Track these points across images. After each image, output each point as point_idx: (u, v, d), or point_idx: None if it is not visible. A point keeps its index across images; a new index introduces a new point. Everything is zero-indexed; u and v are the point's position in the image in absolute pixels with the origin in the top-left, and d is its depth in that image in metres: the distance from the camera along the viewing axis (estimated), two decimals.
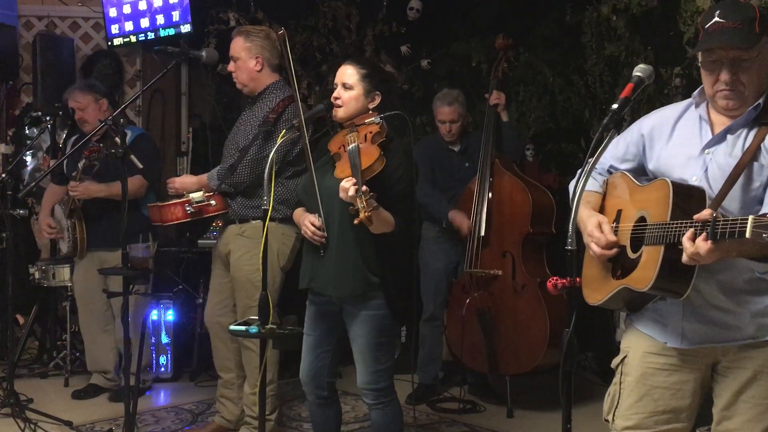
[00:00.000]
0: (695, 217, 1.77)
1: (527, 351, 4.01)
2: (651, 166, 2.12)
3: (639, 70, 1.96)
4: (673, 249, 1.84)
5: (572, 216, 1.83)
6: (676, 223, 1.84)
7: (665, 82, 4.30)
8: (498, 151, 4.23)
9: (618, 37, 4.71)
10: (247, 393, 3.59)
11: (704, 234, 1.74)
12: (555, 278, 1.88)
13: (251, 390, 3.54)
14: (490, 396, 4.37)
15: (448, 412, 4.19)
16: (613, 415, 2.12)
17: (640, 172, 2.16)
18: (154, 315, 4.70)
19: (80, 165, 3.87)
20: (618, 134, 1.90)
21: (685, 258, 1.79)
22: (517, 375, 4.12)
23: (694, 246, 1.76)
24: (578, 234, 1.86)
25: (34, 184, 4.26)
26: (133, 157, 3.25)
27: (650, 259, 1.91)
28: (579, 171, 1.92)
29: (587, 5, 4.83)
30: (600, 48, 4.82)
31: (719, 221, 1.71)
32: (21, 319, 5.08)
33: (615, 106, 1.88)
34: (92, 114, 4.20)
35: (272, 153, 2.71)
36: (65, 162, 4.16)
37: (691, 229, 1.77)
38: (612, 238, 2.02)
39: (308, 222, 2.71)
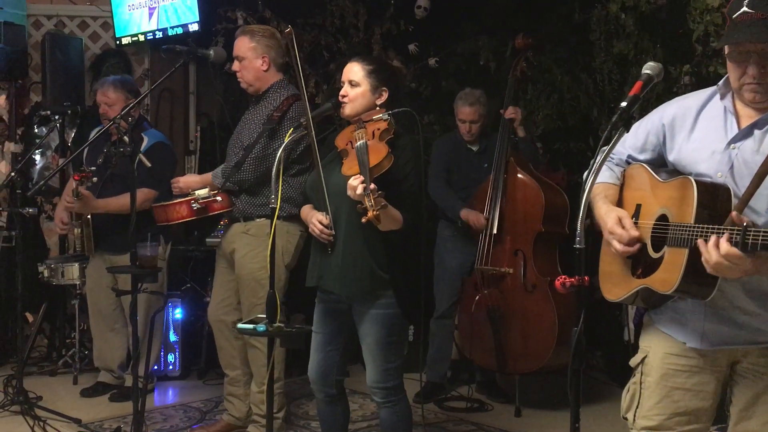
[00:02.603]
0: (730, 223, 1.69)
1: (536, 350, 3.99)
2: (671, 157, 2.05)
3: (648, 68, 1.91)
4: (699, 253, 1.78)
5: (581, 214, 1.80)
6: (702, 227, 1.78)
7: (674, 80, 4.28)
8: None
9: (627, 34, 4.69)
10: (254, 391, 3.60)
11: (730, 239, 1.67)
12: (563, 277, 1.87)
13: (258, 389, 3.55)
14: (498, 395, 4.37)
15: (455, 410, 4.19)
16: (634, 414, 2.11)
17: (659, 163, 2.10)
18: (178, 314, 4.70)
19: (74, 185, 3.86)
20: (627, 132, 1.87)
21: (708, 269, 1.74)
22: (525, 374, 4.11)
23: (720, 252, 1.69)
24: (587, 232, 1.84)
25: (43, 182, 4.25)
26: (141, 156, 3.25)
27: (674, 261, 1.87)
28: (591, 161, 1.88)
29: (596, 3, 4.81)
30: (608, 46, 4.80)
31: (750, 230, 1.65)
32: (30, 317, 5.10)
33: (624, 104, 1.84)
34: (118, 112, 4.17)
35: (280, 151, 2.71)
36: (85, 153, 4.17)
37: (714, 236, 1.70)
38: (635, 233, 1.98)
39: (315, 220, 2.70)
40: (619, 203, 2.13)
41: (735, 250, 1.68)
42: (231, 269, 3.60)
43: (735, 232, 1.69)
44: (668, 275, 1.88)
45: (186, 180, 3.64)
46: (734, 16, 1.88)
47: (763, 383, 1.97)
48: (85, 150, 4.19)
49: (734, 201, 1.85)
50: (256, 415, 3.61)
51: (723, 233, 1.71)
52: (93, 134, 4.32)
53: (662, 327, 2.08)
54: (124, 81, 4.33)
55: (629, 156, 2.17)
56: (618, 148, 2.14)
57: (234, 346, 3.66)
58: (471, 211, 4.20)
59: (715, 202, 1.84)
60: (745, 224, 1.68)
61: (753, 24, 1.83)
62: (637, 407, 2.10)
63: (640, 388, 2.10)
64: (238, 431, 3.74)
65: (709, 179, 1.92)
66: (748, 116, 1.94)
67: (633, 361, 2.16)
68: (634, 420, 2.10)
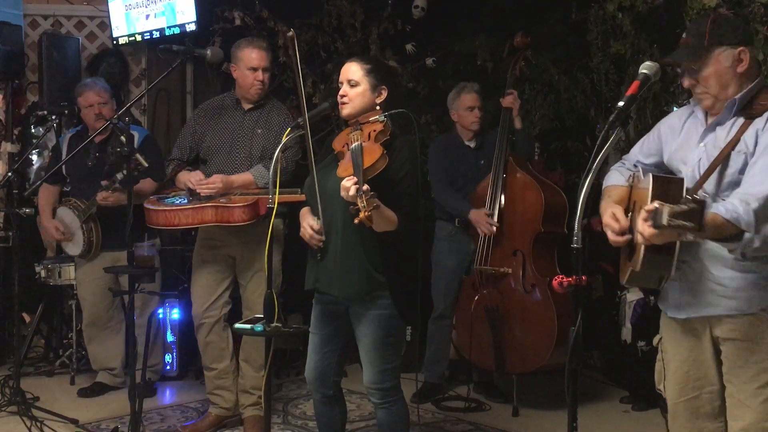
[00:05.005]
0: (645, 208, 1.90)
1: (534, 350, 4.00)
2: (665, 159, 2.33)
3: (645, 68, 2.03)
4: (653, 245, 1.97)
5: (578, 214, 1.83)
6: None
7: (671, 79, 4.29)
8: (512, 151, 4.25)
9: (624, 34, 4.69)
10: (253, 376, 3.68)
11: (650, 222, 1.86)
12: (561, 276, 1.90)
13: (257, 373, 3.64)
14: (495, 394, 4.37)
15: (453, 410, 4.19)
16: (663, 385, 2.38)
17: (662, 165, 2.35)
18: (176, 314, 4.70)
19: (119, 176, 3.81)
20: (623, 132, 1.95)
21: (638, 237, 1.96)
22: (524, 374, 4.11)
23: (641, 228, 1.91)
24: (584, 232, 1.90)
25: (40, 182, 4.26)
26: (138, 155, 3.25)
27: (639, 247, 2.08)
28: (590, 161, 2.03)
29: (593, 3, 4.82)
30: (605, 46, 4.81)
31: (660, 212, 1.84)
32: (27, 318, 5.09)
33: (621, 103, 1.92)
34: (110, 110, 4.24)
35: (277, 151, 2.72)
36: (64, 159, 4.14)
37: (643, 213, 1.90)
38: (625, 224, 2.16)
39: (306, 224, 2.71)
40: (628, 201, 2.33)
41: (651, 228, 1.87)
42: (223, 266, 3.67)
43: (651, 214, 1.86)
44: (637, 257, 2.08)
45: (226, 180, 3.52)
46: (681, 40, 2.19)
47: (736, 348, 2.16)
48: (63, 156, 4.17)
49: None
50: (255, 406, 3.68)
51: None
52: (66, 138, 4.33)
53: (663, 308, 2.34)
54: (104, 81, 4.44)
55: (638, 161, 2.42)
56: (630, 154, 2.45)
57: (223, 338, 3.74)
58: (480, 216, 4.14)
59: (668, 193, 2.03)
60: (656, 206, 1.84)
61: (680, 48, 2.18)
62: (665, 379, 2.37)
63: (663, 364, 2.37)
64: (228, 421, 3.81)
65: (674, 174, 2.20)
66: (714, 116, 2.21)
67: (655, 341, 2.44)
68: (665, 389, 2.37)
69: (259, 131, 3.62)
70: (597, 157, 1.89)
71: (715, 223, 1.92)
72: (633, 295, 4.20)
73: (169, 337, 4.69)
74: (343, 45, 5.46)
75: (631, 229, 2.14)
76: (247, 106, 3.68)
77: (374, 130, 2.66)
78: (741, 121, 2.13)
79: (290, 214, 3.61)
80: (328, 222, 2.71)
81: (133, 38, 5.47)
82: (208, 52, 3.49)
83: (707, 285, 2.16)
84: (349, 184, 2.42)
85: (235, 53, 3.66)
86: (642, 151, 2.41)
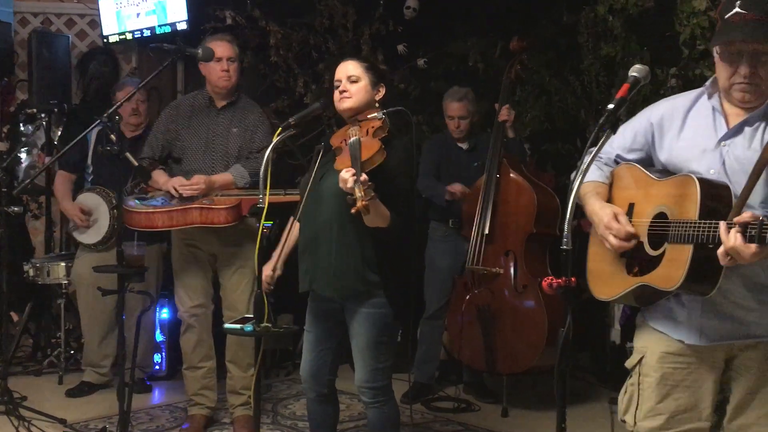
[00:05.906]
0: (736, 219, 1.75)
1: (525, 350, 4.00)
2: (662, 157, 2.09)
3: (635, 71, 1.95)
4: (703, 249, 1.82)
5: (568, 215, 1.82)
6: (708, 223, 1.82)
7: (661, 82, 4.31)
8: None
9: (614, 37, 4.71)
10: (242, 376, 3.67)
11: (744, 236, 1.72)
12: (550, 277, 1.88)
13: (245, 372, 3.64)
14: (485, 395, 4.37)
15: (443, 411, 4.19)
16: (634, 416, 2.12)
17: (647, 163, 2.14)
18: (165, 314, 4.67)
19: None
20: (613, 133, 1.90)
21: (721, 250, 1.77)
22: (514, 374, 4.12)
23: (740, 247, 1.73)
24: (574, 233, 1.86)
25: (29, 181, 4.26)
26: (128, 155, 3.24)
27: (676, 258, 1.89)
28: (578, 163, 1.90)
29: (584, 5, 4.83)
30: (596, 48, 4.83)
31: (766, 224, 1.70)
32: (15, 317, 5.06)
33: (611, 106, 1.87)
34: (146, 107, 4.44)
35: (268, 151, 2.72)
36: (90, 151, 4.33)
37: (736, 229, 1.74)
38: (631, 229, 2.01)
39: (263, 272, 2.79)
40: (609, 203, 2.15)
41: (752, 245, 1.72)
42: (205, 264, 3.67)
43: (750, 226, 1.73)
44: (671, 272, 1.90)
45: (208, 180, 3.49)
46: (726, 16, 1.92)
47: (760, 376, 2.00)
48: (90, 150, 4.37)
49: (733, 199, 1.89)
50: (245, 406, 3.67)
51: (734, 226, 1.75)
52: (93, 135, 4.36)
53: (657, 326, 2.10)
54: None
55: (617, 156, 2.20)
56: (606, 148, 2.16)
57: (210, 335, 3.74)
58: (454, 184, 4.22)
59: (717, 200, 1.87)
60: (761, 219, 1.71)
61: (745, 24, 1.87)
62: (636, 409, 2.11)
63: (639, 389, 2.11)
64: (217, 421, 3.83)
65: (701, 176, 1.95)
66: (737, 115, 1.99)
67: (629, 363, 2.17)
68: (634, 422, 2.11)
69: (235, 130, 3.60)
70: (587, 158, 1.88)
71: None
72: None
73: (158, 337, 4.67)
74: (335, 45, 5.46)
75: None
76: (220, 104, 3.64)
77: (372, 127, 2.68)
78: None
79: (280, 214, 3.60)
80: (324, 221, 2.71)
81: (123, 36, 5.45)
82: (199, 51, 3.48)
83: (733, 309, 1.96)
84: (347, 175, 2.43)
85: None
86: (623, 145, 2.17)
